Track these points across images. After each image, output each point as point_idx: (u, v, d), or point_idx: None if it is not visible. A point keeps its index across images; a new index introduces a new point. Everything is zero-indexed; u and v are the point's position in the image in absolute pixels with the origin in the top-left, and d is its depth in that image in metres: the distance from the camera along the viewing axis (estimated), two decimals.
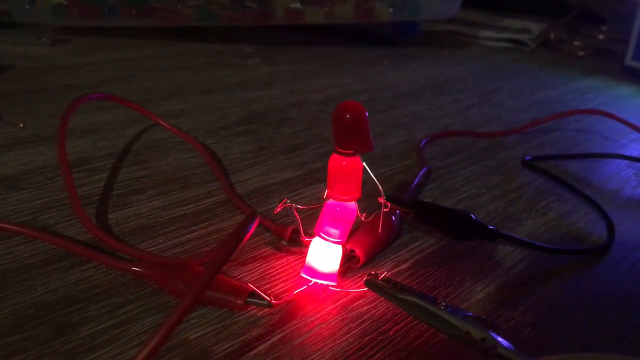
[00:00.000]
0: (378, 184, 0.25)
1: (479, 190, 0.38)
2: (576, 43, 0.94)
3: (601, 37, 0.98)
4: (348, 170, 0.25)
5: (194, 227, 0.31)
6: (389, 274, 0.28)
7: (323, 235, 0.26)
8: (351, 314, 0.25)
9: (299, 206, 0.27)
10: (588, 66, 0.84)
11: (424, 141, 0.45)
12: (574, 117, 0.56)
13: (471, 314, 0.24)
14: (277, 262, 0.28)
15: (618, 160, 0.47)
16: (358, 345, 0.23)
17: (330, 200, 0.26)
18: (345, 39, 0.86)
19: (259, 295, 0.24)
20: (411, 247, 0.31)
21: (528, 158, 0.44)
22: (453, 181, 0.40)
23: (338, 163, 0.25)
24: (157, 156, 0.39)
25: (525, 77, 0.74)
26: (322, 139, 0.45)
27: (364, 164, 0.25)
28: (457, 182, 0.39)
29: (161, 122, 0.43)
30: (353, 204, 0.26)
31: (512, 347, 0.21)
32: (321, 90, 0.59)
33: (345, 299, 0.26)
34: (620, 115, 0.53)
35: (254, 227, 0.20)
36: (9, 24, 0.68)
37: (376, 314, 0.25)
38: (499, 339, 0.22)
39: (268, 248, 0.29)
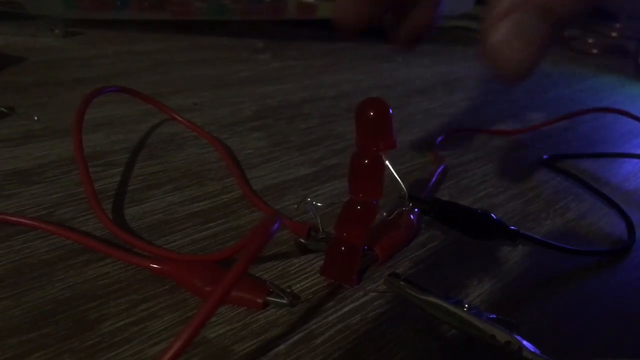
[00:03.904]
0: (401, 182, 0.25)
1: (496, 188, 0.38)
2: (589, 41, 0.93)
3: (614, 34, 0.96)
4: (370, 168, 0.24)
5: (211, 224, 0.30)
6: (408, 273, 0.28)
7: (343, 233, 0.26)
8: (370, 314, 0.25)
9: (318, 204, 0.27)
10: (602, 64, 0.83)
11: (439, 138, 0.45)
12: (590, 115, 0.55)
13: (494, 316, 0.23)
14: (295, 261, 0.28)
15: (635, 160, 0.46)
16: (378, 346, 0.23)
17: (351, 199, 0.26)
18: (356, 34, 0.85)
19: (278, 294, 0.24)
20: (429, 246, 0.30)
21: (546, 157, 0.43)
22: (469, 179, 0.39)
23: (360, 161, 0.25)
24: (171, 151, 0.38)
25: (539, 75, 0.73)
26: (336, 135, 0.44)
27: (386, 162, 0.24)
28: (473, 181, 0.39)
29: (176, 116, 0.43)
30: (374, 203, 0.26)
31: (538, 351, 0.21)
32: (333, 86, 0.58)
33: (365, 298, 0.26)
34: (636, 114, 0.53)
35: (278, 225, 0.20)
36: (21, 16, 0.68)
37: (395, 314, 0.25)
38: (524, 342, 0.21)
39: (286, 246, 0.29)
